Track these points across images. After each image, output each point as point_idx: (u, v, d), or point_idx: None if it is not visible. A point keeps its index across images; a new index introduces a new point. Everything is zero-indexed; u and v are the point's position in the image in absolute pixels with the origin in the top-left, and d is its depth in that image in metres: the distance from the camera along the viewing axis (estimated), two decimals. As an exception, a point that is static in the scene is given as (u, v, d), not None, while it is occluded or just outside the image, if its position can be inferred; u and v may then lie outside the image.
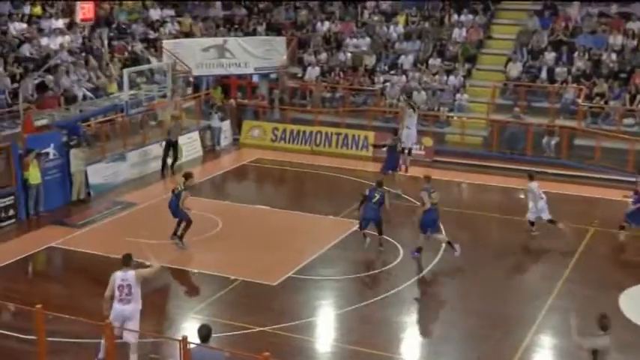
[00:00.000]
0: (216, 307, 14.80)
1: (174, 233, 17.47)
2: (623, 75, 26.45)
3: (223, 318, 14.15)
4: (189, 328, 13.30)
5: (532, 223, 18.58)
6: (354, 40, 30.96)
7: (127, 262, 12.11)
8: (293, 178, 23.97)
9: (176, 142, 24.07)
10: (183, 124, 25.35)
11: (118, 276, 11.94)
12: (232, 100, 29.04)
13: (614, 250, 18.11)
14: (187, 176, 17.66)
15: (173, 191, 17.72)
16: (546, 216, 18.34)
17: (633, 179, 20.72)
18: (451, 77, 28.26)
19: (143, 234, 17.58)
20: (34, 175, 19.47)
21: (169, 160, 23.99)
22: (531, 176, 18.71)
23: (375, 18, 31.92)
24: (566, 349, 13.46)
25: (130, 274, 11.94)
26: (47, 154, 20.30)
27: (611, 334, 10.31)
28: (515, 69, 27.96)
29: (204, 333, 10.26)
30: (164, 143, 23.86)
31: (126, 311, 11.85)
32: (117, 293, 11.87)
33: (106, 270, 16.40)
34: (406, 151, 22.34)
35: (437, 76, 28.43)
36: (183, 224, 17.37)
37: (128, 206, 20.60)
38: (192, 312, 14.54)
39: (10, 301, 10.99)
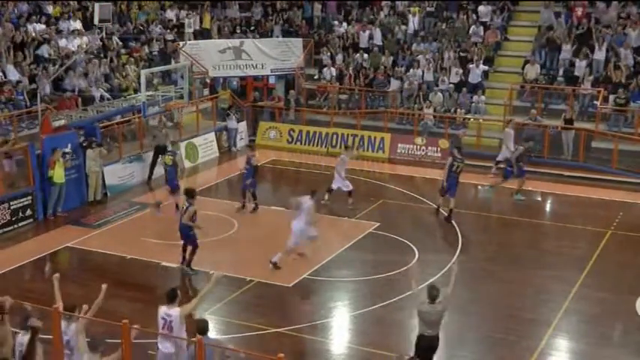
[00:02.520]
0: (232, 308, 14.83)
1: (183, 261, 16.51)
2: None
3: (238, 319, 14.20)
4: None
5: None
6: (367, 32, 30.87)
7: (171, 298, 11.14)
8: (308, 180, 23.94)
9: (165, 147, 21.52)
10: (172, 133, 24.14)
11: (162, 310, 11.09)
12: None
13: (631, 253, 17.98)
14: (190, 194, 16.15)
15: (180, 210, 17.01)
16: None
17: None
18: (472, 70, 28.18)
19: (148, 233, 17.70)
20: (58, 174, 19.63)
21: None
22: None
23: (391, 20, 31.91)
24: (582, 353, 13.41)
25: (174, 312, 10.99)
26: (71, 153, 20.48)
27: (438, 305, 11.16)
28: (532, 71, 27.84)
29: (202, 326, 10.42)
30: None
31: (167, 351, 11.07)
32: (159, 329, 11.07)
33: (122, 271, 16.66)
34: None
35: (455, 71, 28.35)
36: (189, 249, 16.43)
37: (144, 207, 20.67)
38: (207, 312, 14.55)
39: (27, 301, 11.01)
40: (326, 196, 20.48)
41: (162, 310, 11.08)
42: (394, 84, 28.78)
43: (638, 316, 14.44)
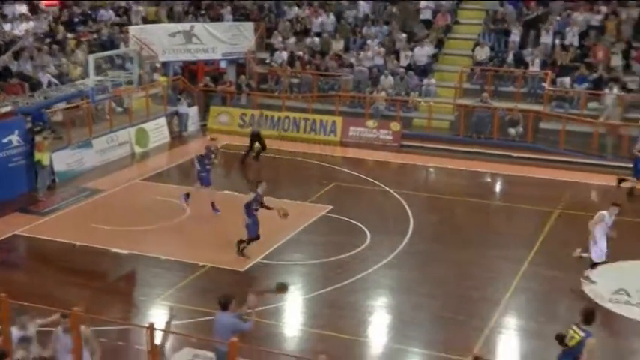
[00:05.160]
0: (185, 293, 14.80)
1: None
2: (588, 60, 26.80)
3: (191, 304, 14.16)
4: (156, 315, 13.30)
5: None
6: (320, 19, 30.88)
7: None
8: (260, 164, 23.92)
9: None
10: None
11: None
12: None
13: (578, 232, 18.31)
14: None
15: None
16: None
17: (596, 162, 21.21)
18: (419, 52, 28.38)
19: (98, 219, 17.60)
20: (46, 155, 20.18)
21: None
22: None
23: (342, 4, 31.92)
24: (531, 330, 13.67)
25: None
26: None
27: None
28: (482, 53, 28.12)
29: (223, 302, 10.83)
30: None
31: None
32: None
33: (71, 258, 16.49)
34: None
35: (405, 54, 28.53)
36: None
37: (94, 193, 20.45)
38: (160, 298, 14.52)
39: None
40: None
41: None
42: (346, 69, 28.84)
43: (585, 293, 14.74)
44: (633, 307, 14.19)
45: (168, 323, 10.48)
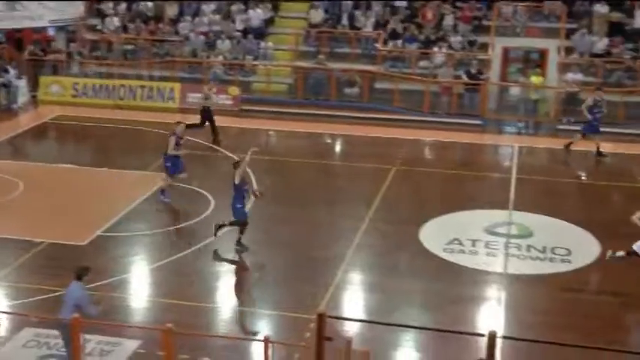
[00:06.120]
0: (22, 272, 14.22)
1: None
2: (416, 19, 27.70)
3: (31, 282, 13.64)
4: (-7, 296, 12.76)
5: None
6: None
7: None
8: (97, 135, 23.23)
9: None
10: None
11: None
12: None
13: (414, 187, 19.13)
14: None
15: None
16: None
17: (430, 119, 22.11)
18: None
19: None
20: None
21: None
22: None
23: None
24: (374, 284, 14.17)
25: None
26: None
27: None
28: (317, 15, 28.44)
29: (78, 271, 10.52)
30: None
31: None
32: None
33: None
34: None
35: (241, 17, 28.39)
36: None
37: None
38: (-4, 279, 13.91)
39: None
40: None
41: None
42: (182, 34, 28.37)
43: (422, 244, 15.43)
44: (467, 256, 14.98)
45: None
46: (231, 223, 15.17)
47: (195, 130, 21.34)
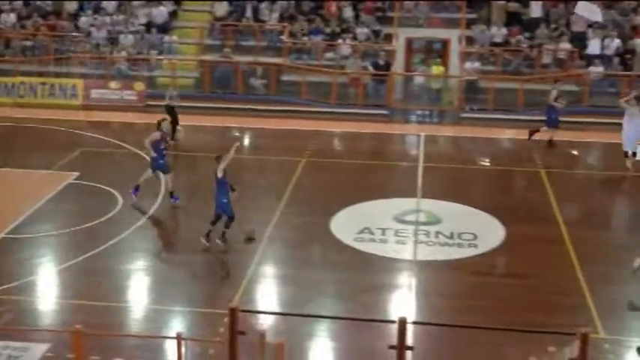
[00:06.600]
0: None
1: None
2: (321, 11, 27.85)
3: None
4: None
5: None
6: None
7: None
8: (-2, 134, 22.53)
9: None
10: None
11: None
12: None
13: (324, 178, 19.26)
14: None
15: None
16: None
17: (337, 110, 22.28)
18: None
19: None
20: None
21: None
22: None
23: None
24: (287, 276, 14.22)
25: None
26: None
27: None
28: (221, 8, 28.25)
29: None
30: None
31: None
32: None
33: None
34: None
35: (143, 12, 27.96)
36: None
37: None
38: None
39: None
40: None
41: None
42: (83, 30, 27.74)
43: (333, 235, 15.56)
44: (377, 244, 15.20)
45: None
46: (213, 222, 14.98)
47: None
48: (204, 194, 17.62)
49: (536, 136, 21.77)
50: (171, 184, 17.15)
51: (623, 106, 19.81)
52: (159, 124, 17.39)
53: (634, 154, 19.48)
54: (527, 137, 21.78)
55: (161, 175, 17.45)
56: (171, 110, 21.70)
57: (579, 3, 23.94)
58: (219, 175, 14.83)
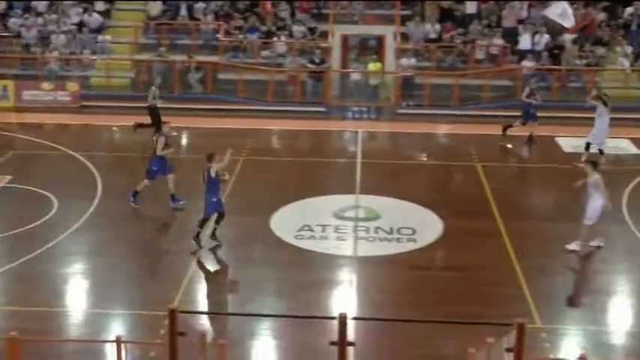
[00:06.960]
0: None
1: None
2: (257, 9, 27.81)
3: None
4: None
5: None
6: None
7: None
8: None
9: None
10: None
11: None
12: None
13: (263, 176, 19.22)
14: None
15: None
16: None
17: (274, 108, 22.25)
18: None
19: None
20: None
21: None
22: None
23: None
24: (228, 276, 14.17)
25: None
26: None
27: None
28: (155, 7, 27.95)
29: None
30: None
31: None
32: None
33: None
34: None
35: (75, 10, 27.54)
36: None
37: None
38: None
39: None
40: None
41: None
42: (12, 30, 27.14)
43: (273, 233, 15.56)
44: (317, 241, 15.25)
45: None
46: (201, 224, 14.80)
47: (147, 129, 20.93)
48: (140, 195, 17.48)
49: (510, 132, 22.04)
50: (141, 187, 16.87)
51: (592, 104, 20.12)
52: (159, 128, 17.12)
53: (600, 151, 19.82)
54: (501, 133, 22.05)
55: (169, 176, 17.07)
56: (154, 110, 21.38)
57: (554, 4, 23.66)
58: (212, 174, 14.75)
